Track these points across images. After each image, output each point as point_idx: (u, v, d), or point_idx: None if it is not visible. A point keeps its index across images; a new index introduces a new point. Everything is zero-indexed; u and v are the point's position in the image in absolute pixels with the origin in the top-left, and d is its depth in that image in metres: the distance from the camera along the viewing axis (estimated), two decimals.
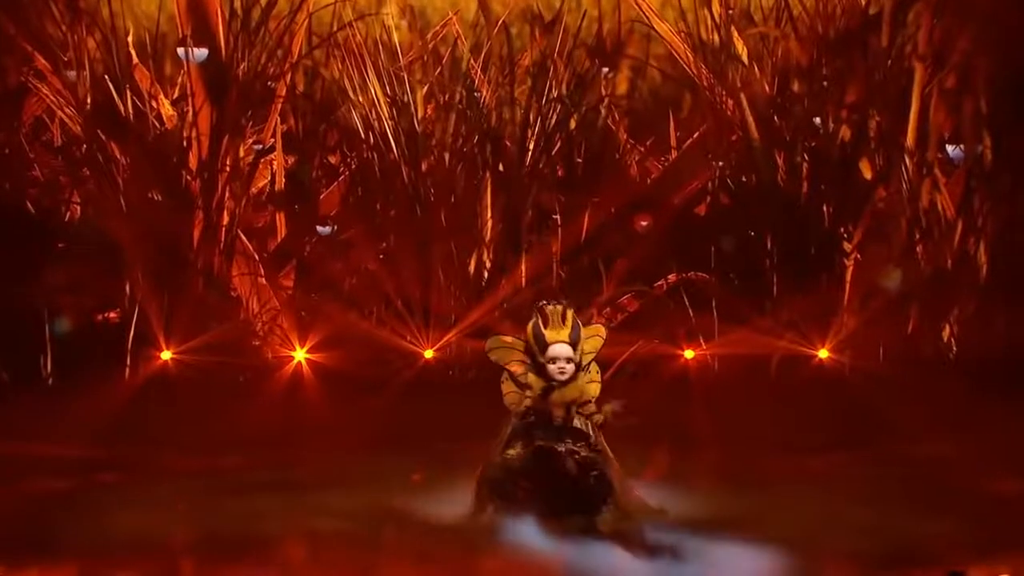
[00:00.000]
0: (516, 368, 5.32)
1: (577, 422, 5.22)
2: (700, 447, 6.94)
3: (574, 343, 5.21)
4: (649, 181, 10.24)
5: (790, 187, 9.63)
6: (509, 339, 5.37)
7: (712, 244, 9.71)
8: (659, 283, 9.87)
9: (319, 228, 9.88)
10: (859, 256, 9.61)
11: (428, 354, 9.36)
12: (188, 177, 9.47)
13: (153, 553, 5.21)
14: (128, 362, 9.23)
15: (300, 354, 9.35)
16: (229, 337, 9.39)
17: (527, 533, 5.11)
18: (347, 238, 9.88)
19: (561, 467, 5.05)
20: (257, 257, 9.71)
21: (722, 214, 9.83)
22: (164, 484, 6.49)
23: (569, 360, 5.17)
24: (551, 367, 5.19)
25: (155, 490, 6.39)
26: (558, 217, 9.87)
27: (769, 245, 9.65)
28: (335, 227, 9.85)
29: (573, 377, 5.18)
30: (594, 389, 5.36)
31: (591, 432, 5.22)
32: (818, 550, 5.25)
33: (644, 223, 9.88)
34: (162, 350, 9.23)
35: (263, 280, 9.69)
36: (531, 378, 5.26)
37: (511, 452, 5.17)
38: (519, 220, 9.69)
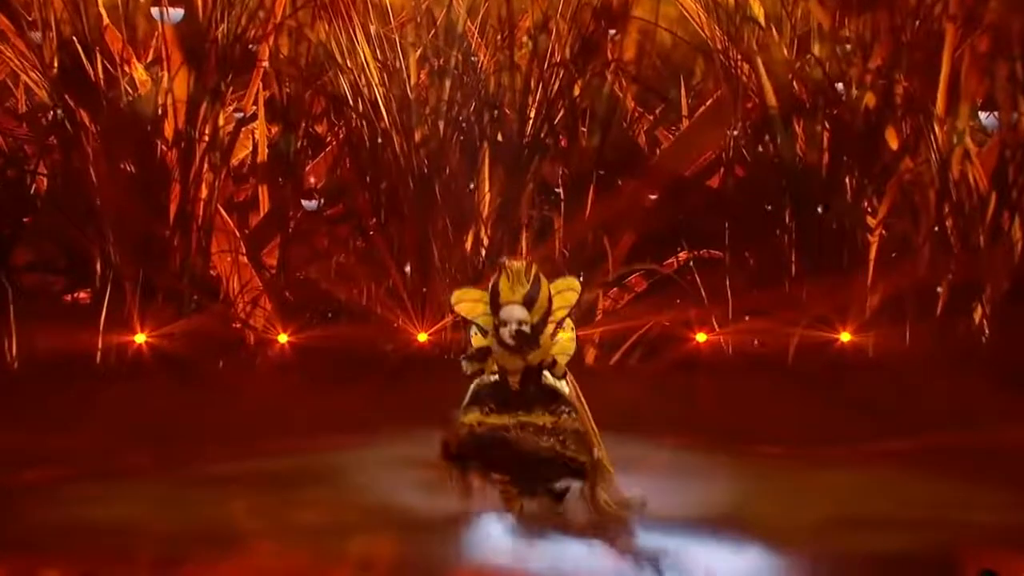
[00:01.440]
0: (486, 322, 5.23)
1: (550, 380, 5.18)
2: (705, 441, 6.95)
3: (529, 303, 5.06)
4: (658, 152, 10.23)
5: (810, 158, 9.58)
6: (476, 292, 5.26)
7: (726, 219, 9.66)
8: (669, 261, 9.86)
9: (304, 202, 9.83)
10: (884, 232, 9.60)
11: (422, 337, 9.35)
12: (163, 147, 9.43)
13: (116, 550, 5.20)
14: (99, 346, 9.18)
15: (284, 337, 9.38)
16: (208, 319, 9.38)
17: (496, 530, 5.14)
18: (334, 213, 9.90)
19: (507, 450, 5.07)
20: (238, 233, 9.69)
21: (737, 187, 9.77)
22: (132, 477, 6.49)
23: (521, 323, 5.04)
24: (502, 329, 5.09)
25: (122, 483, 6.40)
26: (561, 191, 9.85)
27: (787, 220, 9.59)
28: (322, 201, 9.83)
29: (536, 338, 5.04)
30: (569, 346, 5.25)
31: (562, 393, 5.21)
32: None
33: (653, 197, 9.89)
34: (136, 333, 9.21)
35: (244, 258, 9.65)
36: (491, 336, 5.18)
37: (464, 420, 5.12)
38: (519, 194, 9.64)
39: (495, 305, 5.09)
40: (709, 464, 6.42)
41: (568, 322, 5.25)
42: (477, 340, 5.25)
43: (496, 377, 5.19)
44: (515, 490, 5.19)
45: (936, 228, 9.43)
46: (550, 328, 5.15)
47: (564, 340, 5.22)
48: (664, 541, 4.98)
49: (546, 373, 5.22)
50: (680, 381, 8.83)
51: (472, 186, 9.68)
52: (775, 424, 7.52)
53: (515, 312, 5.06)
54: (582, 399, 5.32)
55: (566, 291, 5.24)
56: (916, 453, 6.88)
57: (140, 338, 9.17)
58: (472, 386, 5.26)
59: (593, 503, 5.17)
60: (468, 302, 5.25)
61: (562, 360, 5.26)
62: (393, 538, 5.19)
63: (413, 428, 6.48)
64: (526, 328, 5.03)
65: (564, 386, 5.23)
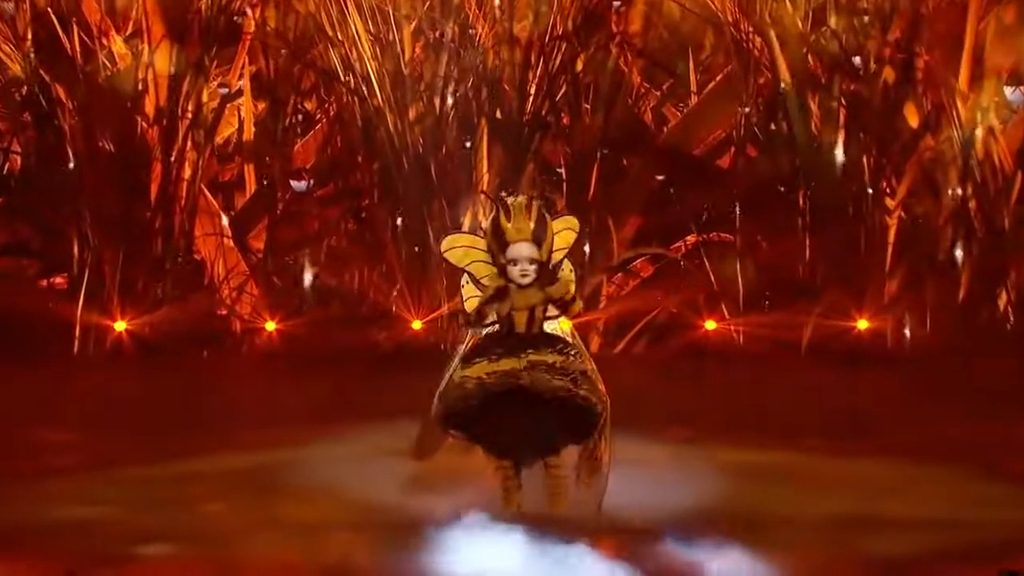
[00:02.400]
0: (478, 270, 5.06)
1: (548, 326, 5.05)
2: (713, 434, 6.90)
3: (539, 241, 4.94)
4: (666, 130, 10.14)
5: (825, 136, 9.56)
6: (469, 237, 5.11)
7: (736, 201, 9.63)
8: (677, 245, 9.83)
9: (293, 183, 9.85)
10: (903, 214, 9.56)
11: (416, 325, 9.37)
12: (144, 124, 9.42)
13: (94, 548, 5.09)
14: (76, 333, 9.21)
15: (271, 325, 9.41)
16: (191, 306, 9.43)
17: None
18: (325, 194, 9.88)
19: (522, 397, 4.93)
20: (223, 215, 9.70)
21: (748, 167, 9.74)
22: (110, 471, 6.38)
23: (533, 261, 4.92)
24: (512, 269, 4.93)
25: (99, 478, 6.30)
26: (563, 171, 9.81)
27: (801, 202, 9.57)
28: (311, 182, 9.86)
29: (538, 278, 4.95)
30: (570, 287, 5.11)
31: (565, 337, 5.06)
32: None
33: (660, 178, 9.89)
34: (116, 320, 9.23)
35: (230, 242, 9.68)
36: (493, 279, 5.01)
37: (469, 373, 4.97)
38: (518, 174, 9.61)
39: (501, 243, 4.94)
40: (718, 459, 6.34)
41: (567, 264, 5.12)
42: (468, 290, 5.10)
43: (492, 329, 5.06)
44: (521, 461, 5.04)
45: (958, 210, 9.42)
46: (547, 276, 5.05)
47: (565, 281, 5.11)
48: (670, 542, 4.89)
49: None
50: (688, 371, 8.83)
51: (469, 166, 9.67)
52: (787, 416, 7.45)
53: (524, 250, 4.91)
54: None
55: (564, 231, 5.10)
56: (936, 446, 6.73)
57: (120, 325, 9.21)
58: (466, 343, 5.11)
59: (593, 455, 5.04)
60: (460, 248, 5.08)
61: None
62: (382, 539, 5.10)
63: (406, 421, 6.40)
64: (536, 267, 4.90)
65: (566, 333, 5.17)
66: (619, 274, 9.84)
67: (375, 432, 6.71)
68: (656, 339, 9.51)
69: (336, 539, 5.10)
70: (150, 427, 7.28)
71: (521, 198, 4.98)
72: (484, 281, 5.05)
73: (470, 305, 5.10)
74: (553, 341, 5.02)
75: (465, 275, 5.11)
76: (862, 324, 9.30)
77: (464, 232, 5.27)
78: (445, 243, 5.14)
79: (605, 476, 5.04)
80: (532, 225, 4.91)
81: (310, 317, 9.46)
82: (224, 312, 9.59)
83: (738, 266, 9.52)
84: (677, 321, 9.48)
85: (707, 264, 9.56)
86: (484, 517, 4.99)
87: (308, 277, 9.67)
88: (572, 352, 5.01)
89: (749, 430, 7.00)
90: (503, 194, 5.03)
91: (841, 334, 9.28)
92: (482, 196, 4.79)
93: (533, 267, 4.92)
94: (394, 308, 9.42)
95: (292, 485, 5.92)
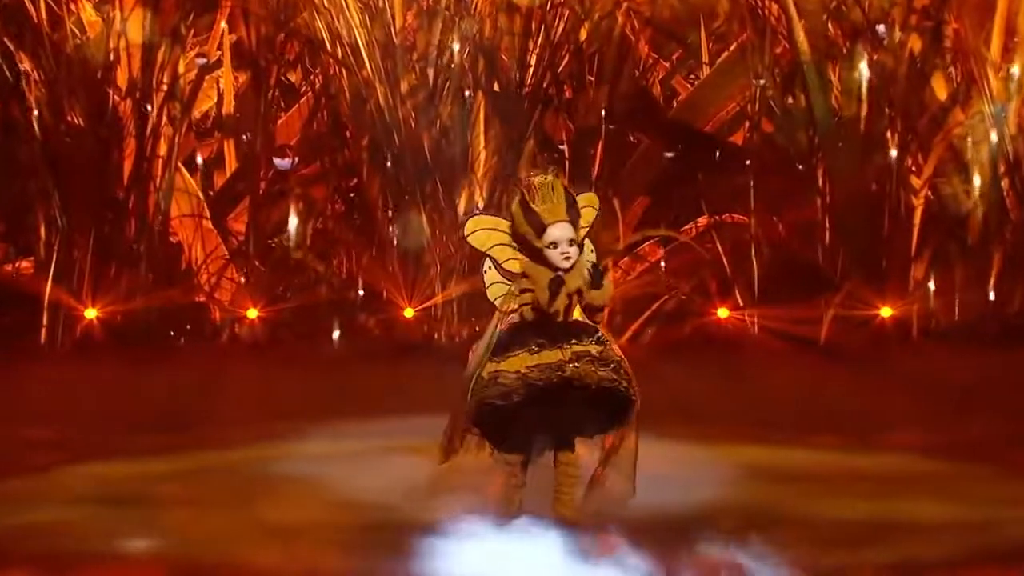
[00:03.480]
0: (501, 253, 5.00)
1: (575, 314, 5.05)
2: (726, 430, 6.82)
3: (573, 221, 4.92)
4: (675, 104, 10.22)
5: (847, 110, 9.54)
6: (492, 219, 5.03)
7: (751, 180, 9.62)
8: (687, 227, 9.84)
9: (276, 161, 9.86)
10: (930, 194, 9.60)
11: (408, 313, 9.37)
12: (116, 97, 9.38)
13: (65, 551, 5.00)
14: (44, 322, 9.22)
15: (253, 312, 9.41)
16: (167, 292, 9.40)
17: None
18: (310, 172, 9.88)
19: (569, 393, 4.88)
20: (201, 195, 9.71)
21: (764, 144, 9.75)
22: (80, 469, 6.27)
23: (572, 242, 4.89)
24: (552, 253, 4.87)
25: (69, 476, 6.18)
26: (565, 148, 9.86)
27: (820, 181, 9.57)
28: (296, 159, 9.85)
29: (603, 273, 4.96)
30: (608, 298, 5.08)
31: (595, 326, 5.06)
32: None
33: (669, 155, 9.93)
34: (86, 308, 9.23)
35: (208, 223, 9.67)
36: (528, 266, 4.96)
37: (506, 367, 4.94)
38: (518, 151, 9.58)
39: (537, 226, 4.87)
40: (730, 456, 6.24)
41: (587, 243, 5.04)
42: (491, 275, 5.05)
43: (518, 317, 5.00)
44: (541, 453, 5.02)
45: (989, 189, 9.41)
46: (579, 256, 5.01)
47: (608, 290, 5.08)
48: (681, 543, 4.82)
49: None
50: (699, 361, 8.79)
51: (465, 142, 9.64)
52: (805, 410, 7.38)
53: (564, 231, 4.87)
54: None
55: (586, 208, 5.05)
56: (966, 443, 6.66)
57: (91, 313, 9.21)
58: (493, 331, 5.02)
59: (620, 449, 4.99)
60: (484, 231, 5.00)
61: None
62: (373, 542, 5.01)
63: (399, 415, 6.56)
64: (575, 248, 4.86)
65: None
66: (625, 258, 9.76)
67: (365, 428, 6.69)
68: (664, 328, 9.49)
69: (322, 542, 5.06)
70: (122, 422, 7.23)
71: (549, 177, 4.93)
72: (506, 265, 4.99)
73: (492, 292, 5.06)
74: (591, 330, 4.99)
75: (487, 260, 5.05)
76: (885, 312, 9.30)
77: (487, 214, 5.19)
78: (469, 225, 5.09)
79: (633, 468, 4.99)
80: (564, 205, 4.88)
81: (295, 304, 9.47)
82: (202, 299, 9.59)
83: (752, 249, 9.53)
84: (687, 309, 9.51)
85: (719, 247, 9.55)
86: (485, 518, 4.98)
87: (293, 262, 9.69)
88: (607, 341, 5.00)
89: (763, 425, 6.96)
90: (526, 174, 5.00)
91: (863, 322, 9.29)
92: (513, 182, 4.74)
93: (573, 248, 4.89)
94: (385, 295, 9.43)
95: (275, 485, 5.88)
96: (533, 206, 4.86)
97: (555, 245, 4.85)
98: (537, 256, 4.89)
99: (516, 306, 4.94)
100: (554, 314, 4.91)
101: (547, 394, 4.87)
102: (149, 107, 9.39)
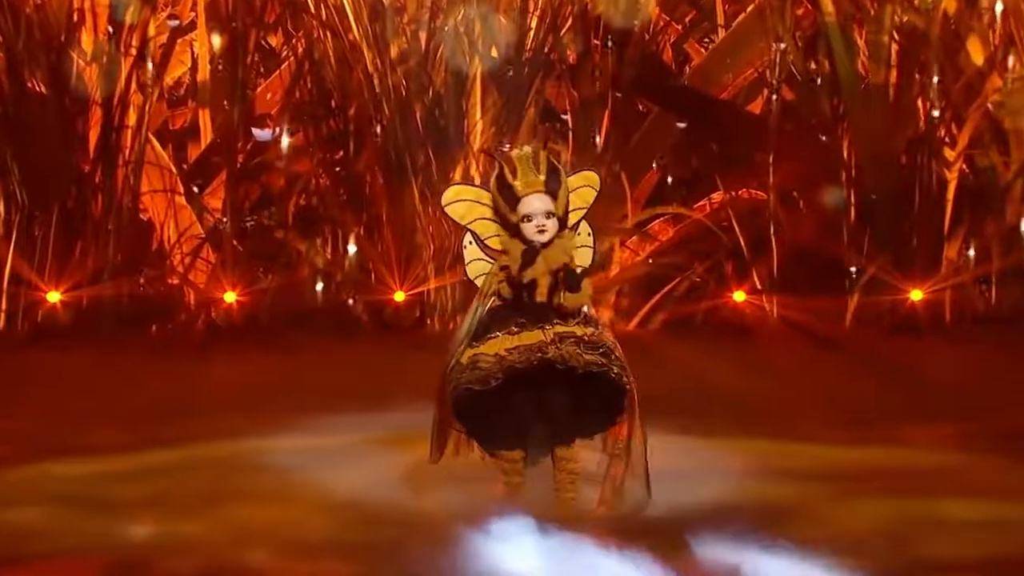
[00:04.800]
0: (483, 228, 5.04)
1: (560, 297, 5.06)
2: (744, 424, 6.75)
3: (552, 192, 4.92)
4: (689, 69, 10.20)
5: (875, 76, 9.51)
6: (474, 190, 5.06)
7: (770, 153, 9.54)
8: (701, 203, 9.84)
9: (256, 132, 9.83)
10: (965, 167, 9.54)
11: (399, 297, 9.34)
12: (81, 62, 9.35)
13: (25, 556, 4.92)
14: (2, 306, 9.21)
15: (231, 296, 9.37)
16: (137, 274, 9.42)
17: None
18: (292, 144, 9.82)
19: (551, 375, 4.91)
20: (174, 169, 9.69)
21: (784, 113, 9.67)
22: (39, 467, 6.14)
23: (550, 215, 4.91)
24: (527, 226, 4.91)
25: (28, 474, 6.06)
26: (569, 118, 9.80)
27: (845, 153, 9.53)
28: (276, 130, 9.79)
29: (557, 237, 4.98)
30: (586, 256, 5.15)
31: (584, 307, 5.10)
32: None
33: (681, 125, 9.88)
34: (48, 290, 9.21)
35: (182, 199, 9.65)
36: (505, 241, 5.00)
37: (485, 350, 4.97)
38: (517, 122, 9.53)
39: (510, 200, 4.90)
40: (749, 453, 6.16)
41: (584, 226, 5.09)
42: (472, 251, 5.06)
43: (499, 299, 5.02)
44: (536, 449, 5.07)
45: None
46: (567, 235, 5.04)
47: (582, 250, 5.11)
48: (694, 543, 4.79)
49: None
50: (714, 349, 8.71)
51: (460, 111, 9.59)
52: (829, 402, 7.31)
53: (537, 203, 4.89)
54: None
55: (583, 187, 5.07)
56: (1004, 436, 6.54)
57: (53, 296, 9.20)
58: (473, 313, 5.05)
59: (623, 444, 5.00)
60: (464, 202, 5.02)
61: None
62: (360, 543, 4.98)
63: (388, 406, 6.53)
64: (554, 222, 4.88)
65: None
66: (633, 237, 9.83)
67: (351, 420, 6.65)
68: (676, 313, 9.49)
69: (310, 546, 4.99)
70: (87, 415, 7.17)
71: (526, 149, 4.96)
72: (489, 242, 5.02)
73: (473, 270, 5.08)
74: (577, 311, 4.99)
75: (468, 234, 5.07)
76: (916, 295, 9.29)
77: (468, 184, 5.29)
78: (447, 195, 5.10)
79: (644, 468, 5.00)
80: (543, 177, 4.90)
81: (276, 288, 9.46)
82: (176, 281, 9.59)
83: (772, 228, 9.48)
84: (701, 292, 9.51)
85: (735, 226, 9.54)
86: (486, 518, 4.94)
87: (274, 241, 9.69)
88: (598, 323, 5.01)
89: (783, 417, 6.89)
90: (504, 147, 4.93)
91: (892, 307, 9.30)
92: (483, 155, 4.76)
93: (551, 221, 4.90)
94: (374, 277, 9.43)
95: (254, 483, 5.80)
96: (508, 181, 4.89)
97: (529, 218, 4.87)
98: (516, 232, 4.92)
99: (495, 286, 4.96)
100: (532, 291, 4.93)
101: (528, 378, 4.88)
102: (117, 73, 9.39)
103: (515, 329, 4.93)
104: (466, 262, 5.08)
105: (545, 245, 4.91)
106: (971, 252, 9.45)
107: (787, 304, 9.33)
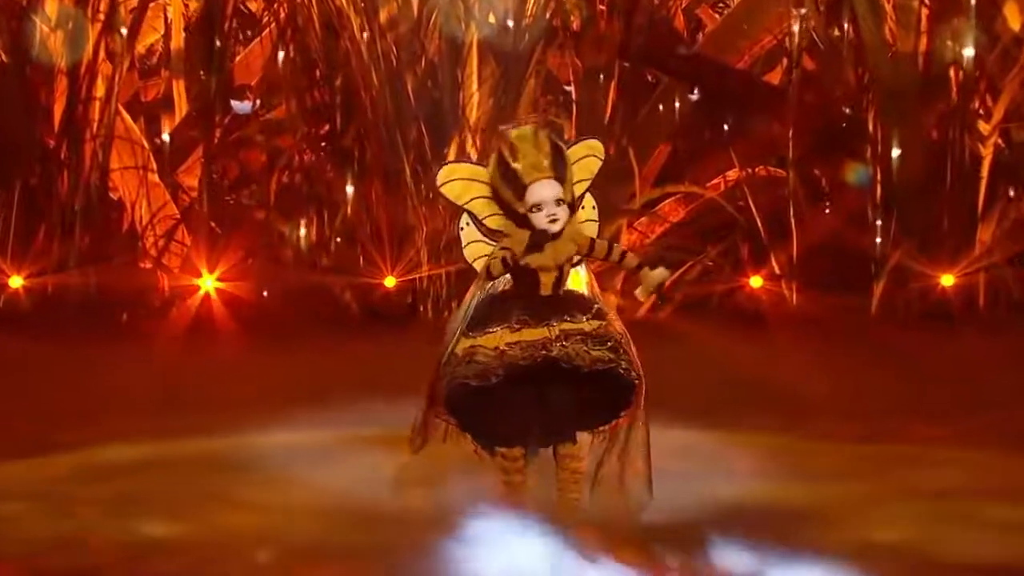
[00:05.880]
0: (481, 208, 4.98)
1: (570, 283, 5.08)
2: (761, 419, 6.74)
3: (560, 177, 4.87)
4: (701, 36, 10.23)
5: (903, 43, 9.50)
6: (470, 168, 5.03)
7: (789, 127, 9.56)
8: (714, 181, 9.84)
9: (234, 104, 9.83)
10: (1000, 141, 9.53)
11: (389, 282, 9.33)
12: (45, 28, 9.35)
13: None
14: None
15: (208, 282, 9.32)
16: (106, 256, 9.38)
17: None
18: (274, 118, 9.87)
19: (555, 374, 4.91)
20: (146, 144, 9.67)
21: (804, 84, 9.69)
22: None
23: (560, 201, 4.87)
24: (537, 216, 4.87)
25: None
26: (572, 89, 9.76)
27: (871, 127, 9.48)
28: (257, 102, 9.86)
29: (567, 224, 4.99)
30: (590, 229, 5.10)
31: (591, 296, 5.12)
32: None
33: (694, 97, 9.91)
34: (10, 275, 9.21)
35: (155, 177, 9.64)
36: (506, 225, 4.95)
37: (483, 343, 4.96)
38: (516, 94, 9.52)
39: (517, 188, 4.86)
40: (766, 450, 6.17)
41: (588, 198, 5.05)
42: (469, 232, 5.03)
43: (502, 287, 5.03)
44: (536, 447, 5.07)
45: None
46: (574, 219, 4.97)
47: (585, 224, 5.06)
48: (708, 548, 4.72)
49: None
50: (728, 338, 8.68)
51: (455, 83, 9.55)
52: (853, 395, 7.30)
53: (548, 190, 4.83)
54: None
55: (587, 157, 5.02)
56: None
57: (15, 281, 9.21)
58: (470, 301, 5.06)
59: (626, 443, 5.02)
60: (460, 181, 5.00)
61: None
62: (351, 546, 4.96)
63: (378, 400, 6.39)
64: (565, 209, 4.84)
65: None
66: (642, 218, 9.80)
67: (337, 416, 6.61)
68: (688, 300, 9.46)
69: (297, 550, 4.97)
70: (53, 408, 7.15)
71: (525, 128, 4.91)
72: (487, 222, 4.99)
73: (471, 252, 5.06)
74: (585, 304, 4.99)
75: (464, 215, 5.03)
76: (946, 280, 9.29)
77: (464, 161, 5.38)
78: (442, 174, 5.07)
79: (646, 467, 5.01)
80: (548, 160, 4.87)
81: (257, 273, 9.42)
82: (148, 265, 9.58)
83: (791, 208, 9.47)
84: (714, 277, 9.49)
85: (752, 205, 9.50)
86: (481, 518, 4.94)
87: (254, 222, 9.68)
88: (607, 315, 5.00)
89: (803, 413, 6.88)
90: (502, 128, 4.96)
91: (921, 293, 9.30)
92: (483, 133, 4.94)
93: (561, 208, 4.85)
94: (362, 261, 9.42)
95: (232, 485, 5.76)
96: (511, 166, 4.85)
97: (539, 207, 4.83)
98: (523, 223, 4.89)
99: (487, 261, 4.96)
100: (535, 283, 4.93)
101: (531, 375, 4.88)
102: (84, 40, 9.33)
103: (516, 325, 4.94)
104: (463, 244, 5.05)
105: (555, 236, 4.88)
106: (1007, 233, 9.45)
107: (807, 289, 9.34)
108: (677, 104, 9.95)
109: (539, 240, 4.86)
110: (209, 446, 6.40)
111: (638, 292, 5.11)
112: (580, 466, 5.01)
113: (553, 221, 4.83)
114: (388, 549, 4.83)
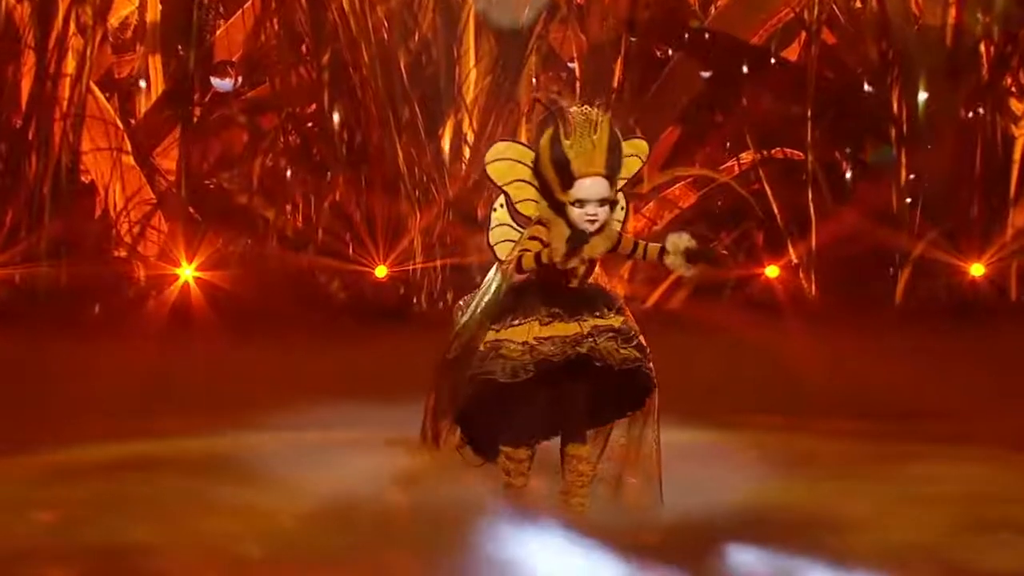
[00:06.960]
0: (518, 192, 4.98)
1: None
2: (778, 416, 6.81)
3: (611, 176, 4.83)
4: (713, 10, 10.10)
5: (930, 15, 9.46)
6: (519, 149, 4.98)
7: (808, 106, 9.50)
8: (728, 164, 9.77)
9: (215, 81, 9.83)
10: None
11: (380, 272, 9.28)
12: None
13: None
14: None
15: (187, 271, 9.27)
16: (78, 244, 9.33)
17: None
18: (257, 96, 9.78)
19: (587, 372, 4.91)
20: (120, 124, 9.59)
21: (824, 60, 9.67)
22: None
23: (603, 202, 4.85)
24: (575, 211, 4.87)
25: None
26: (576, 66, 9.74)
27: (895, 106, 9.43)
28: (239, 79, 9.72)
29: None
30: (616, 226, 5.07)
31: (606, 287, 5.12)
32: None
33: (705, 75, 9.78)
34: None
35: (130, 159, 9.69)
36: (540, 209, 4.92)
37: (511, 336, 4.95)
38: (516, 71, 9.47)
39: (565, 177, 4.85)
40: (782, 449, 6.22)
41: (620, 197, 5.00)
42: (500, 215, 5.04)
43: (519, 273, 5.02)
44: (532, 457, 5.08)
45: None
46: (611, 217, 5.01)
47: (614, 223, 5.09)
48: (719, 549, 4.73)
49: None
50: (741, 331, 8.68)
51: (451, 59, 9.61)
52: (877, 390, 7.29)
53: (596, 189, 4.82)
54: None
55: (630, 156, 4.96)
56: None
57: None
58: (494, 290, 5.05)
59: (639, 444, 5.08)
60: (506, 161, 5.00)
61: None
62: (343, 550, 4.93)
63: (369, 397, 6.50)
64: (605, 210, 4.83)
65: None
66: (651, 203, 9.86)
67: (324, 416, 6.60)
68: (699, 290, 9.52)
69: (285, 556, 4.94)
70: (21, 406, 7.15)
71: (594, 112, 4.89)
72: (519, 207, 5.00)
73: (495, 236, 5.08)
74: (610, 298, 5.01)
75: (501, 195, 5.04)
76: (976, 270, 9.38)
77: (515, 141, 5.19)
78: (491, 151, 5.02)
79: (657, 472, 5.02)
80: (603, 156, 4.85)
81: (238, 261, 9.49)
82: (123, 254, 9.61)
83: (810, 193, 9.53)
84: (728, 266, 9.51)
85: (768, 190, 9.56)
86: (481, 519, 4.94)
87: (235, 207, 9.69)
88: (625, 309, 5.01)
89: (820, 411, 6.93)
90: (564, 105, 4.91)
91: (948, 284, 9.38)
92: (536, 103, 4.81)
93: (603, 209, 4.86)
94: (351, 250, 9.47)
95: (213, 488, 5.70)
96: (566, 144, 4.83)
97: (581, 203, 4.83)
98: (557, 208, 4.88)
99: (518, 252, 4.95)
100: (565, 278, 4.93)
101: (563, 374, 4.89)
102: (52, 12, 9.26)
103: (547, 319, 4.95)
104: (490, 226, 5.07)
105: (593, 233, 4.88)
106: None
107: (827, 280, 9.35)
108: (688, 82, 9.76)
109: (578, 242, 4.85)
110: (194, 445, 6.35)
111: (674, 265, 4.99)
112: (587, 468, 5.02)
113: (592, 222, 4.83)
114: (380, 551, 4.79)
